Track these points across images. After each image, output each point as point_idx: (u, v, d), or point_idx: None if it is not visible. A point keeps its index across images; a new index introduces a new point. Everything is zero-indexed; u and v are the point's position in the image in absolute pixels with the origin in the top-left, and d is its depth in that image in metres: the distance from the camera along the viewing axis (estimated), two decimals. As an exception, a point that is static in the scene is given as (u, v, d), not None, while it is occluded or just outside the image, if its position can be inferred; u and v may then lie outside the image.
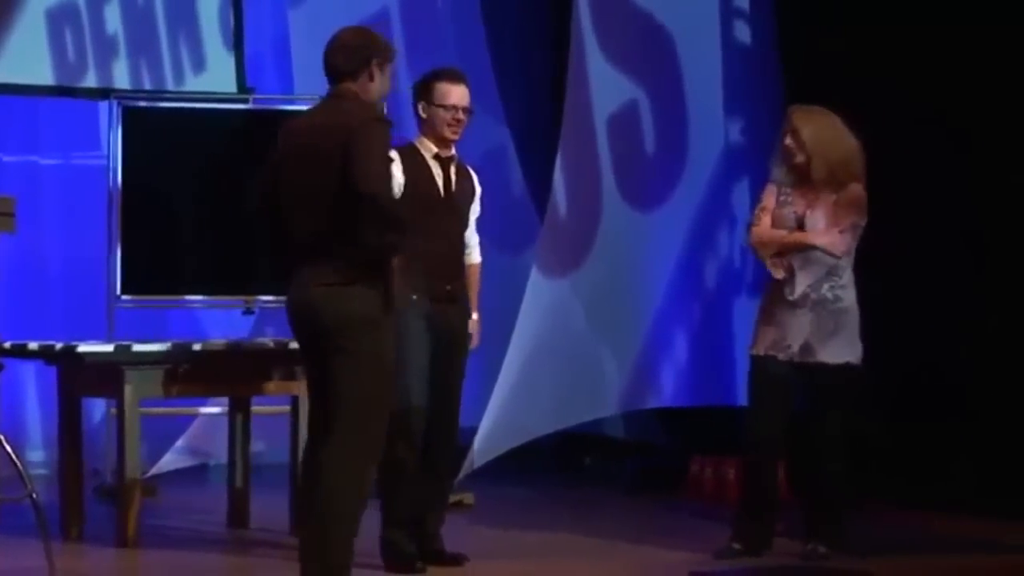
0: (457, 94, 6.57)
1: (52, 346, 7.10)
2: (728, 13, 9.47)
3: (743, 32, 9.51)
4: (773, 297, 6.80)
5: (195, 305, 9.16)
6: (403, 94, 7.48)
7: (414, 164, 6.52)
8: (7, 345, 7.20)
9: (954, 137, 8.23)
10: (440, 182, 6.58)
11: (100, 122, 9.45)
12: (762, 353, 6.76)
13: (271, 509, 7.53)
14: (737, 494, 7.50)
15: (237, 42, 9.49)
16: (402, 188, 6.39)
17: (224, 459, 8.00)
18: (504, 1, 10.53)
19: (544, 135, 9.74)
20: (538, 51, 10.66)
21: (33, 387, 9.48)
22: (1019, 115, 8.08)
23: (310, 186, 5.62)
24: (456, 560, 6.60)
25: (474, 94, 6.69)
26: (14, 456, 5.86)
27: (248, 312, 8.90)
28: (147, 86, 9.33)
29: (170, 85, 9.40)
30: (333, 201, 5.54)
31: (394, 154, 6.33)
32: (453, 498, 7.59)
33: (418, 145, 6.61)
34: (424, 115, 6.60)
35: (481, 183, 6.77)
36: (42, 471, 8.78)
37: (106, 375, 7.03)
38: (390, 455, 5.99)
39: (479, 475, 8.53)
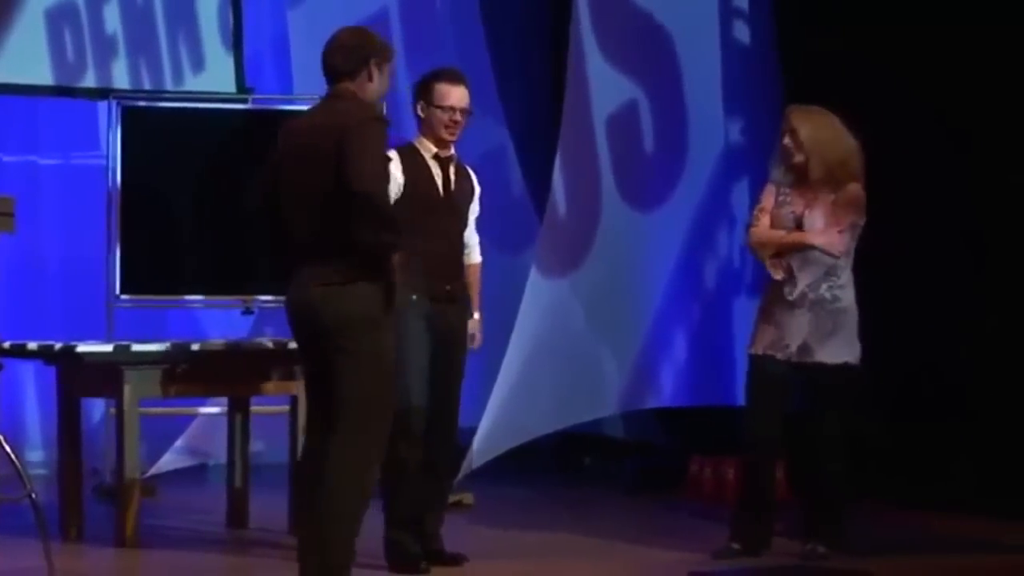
0: (456, 95, 6.57)
1: (51, 346, 7.09)
2: (727, 13, 9.47)
3: (742, 32, 9.50)
4: (772, 297, 6.80)
5: (194, 305, 9.15)
6: (402, 94, 7.49)
7: (414, 164, 6.52)
8: (6, 345, 7.19)
9: (954, 137, 8.22)
10: (440, 182, 6.57)
11: (99, 122, 9.44)
12: (760, 353, 6.75)
13: (270, 509, 7.52)
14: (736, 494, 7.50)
15: (236, 42, 9.49)
16: (402, 188, 6.40)
17: (223, 459, 8.00)
18: (504, 1, 10.52)
19: (543, 135, 9.73)
20: (537, 51, 10.65)
21: (32, 387, 9.48)
22: (1019, 115, 8.08)
23: (310, 186, 5.61)
24: (456, 560, 6.59)
25: (473, 94, 6.68)
26: (13, 456, 5.86)
27: (247, 312, 8.89)
28: (146, 86, 9.34)
29: (169, 85, 9.40)
30: (332, 201, 5.54)
31: (393, 154, 6.35)
32: (452, 498, 7.59)
33: (417, 145, 6.60)
34: (423, 115, 6.60)
35: (480, 183, 6.77)
36: (41, 471, 8.78)
37: (105, 375, 7.03)
38: (392, 455, 5.97)
39: (479, 475, 8.52)
